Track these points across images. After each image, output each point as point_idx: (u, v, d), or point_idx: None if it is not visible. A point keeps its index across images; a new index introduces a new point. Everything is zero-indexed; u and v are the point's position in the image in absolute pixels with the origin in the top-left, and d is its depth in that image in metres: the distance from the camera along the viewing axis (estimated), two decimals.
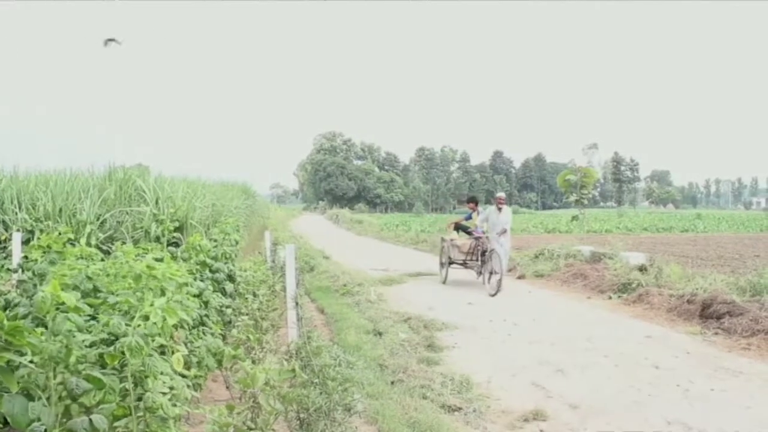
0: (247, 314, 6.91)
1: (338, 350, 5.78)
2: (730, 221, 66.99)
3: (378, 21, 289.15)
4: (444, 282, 16.04)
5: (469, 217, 16.96)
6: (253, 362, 4.92)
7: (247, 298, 7.72)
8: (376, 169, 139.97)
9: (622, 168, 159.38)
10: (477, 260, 15.40)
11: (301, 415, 3.98)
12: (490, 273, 14.45)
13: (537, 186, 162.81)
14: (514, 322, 11.02)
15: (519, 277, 17.31)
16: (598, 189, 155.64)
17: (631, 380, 7.57)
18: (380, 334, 9.35)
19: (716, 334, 9.96)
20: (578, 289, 14.87)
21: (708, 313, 10.80)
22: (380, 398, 6.22)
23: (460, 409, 6.33)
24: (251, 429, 4.08)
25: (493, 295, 13.70)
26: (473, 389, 6.97)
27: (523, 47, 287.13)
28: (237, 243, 10.63)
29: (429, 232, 39.60)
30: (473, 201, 17.48)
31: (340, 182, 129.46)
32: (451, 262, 16.05)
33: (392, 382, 6.99)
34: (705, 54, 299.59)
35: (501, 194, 16.91)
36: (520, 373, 7.80)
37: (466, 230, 16.60)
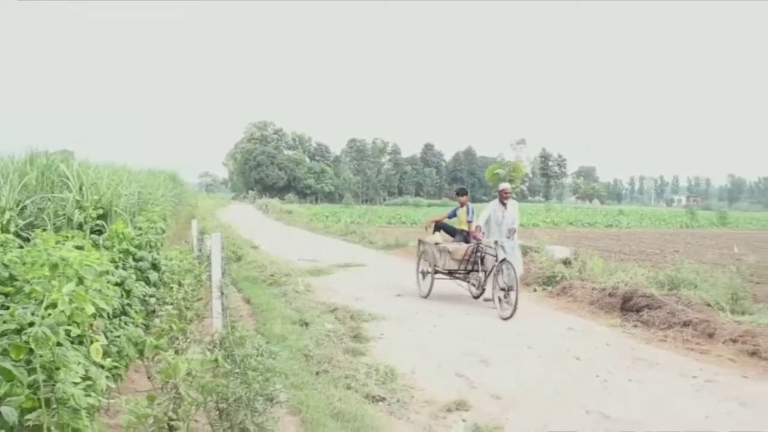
0: (171, 304, 6.80)
1: (261, 340, 5.72)
2: (652, 217, 69.14)
3: (310, 10, 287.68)
4: (426, 296, 12.72)
5: (454, 215, 13.82)
6: (177, 352, 4.86)
7: (172, 288, 7.61)
8: (307, 160, 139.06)
9: (550, 163, 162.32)
10: (476, 270, 12.15)
11: (221, 405, 3.94)
12: (503, 289, 10.99)
13: (467, 179, 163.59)
14: (440, 313, 11.13)
15: None
16: (527, 184, 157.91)
17: (553, 371, 7.73)
18: (306, 324, 9.32)
19: (635, 326, 10.23)
20: None
21: (628, 306, 11.08)
22: (305, 389, 6.20)
23: (384, 399, 6.36)
24: (172, 420, 4.02)
25: (506, 318, 10.52)
26: (398, 380, 7.01)
27: (454, 41, 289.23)
28: (163, 231, 10.48)
29: (359, 223, 39.71)
30: (463, 193, 14.08)
31: (270, 172, 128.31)
32: (437, 272, 12.72)
33: (317, 373, 6.98)
34: (630, 53, 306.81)
35: (506, 185, 12.87)
36: (445, 364, 7.88)
37: (450, 231, 13.67)
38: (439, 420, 5.92)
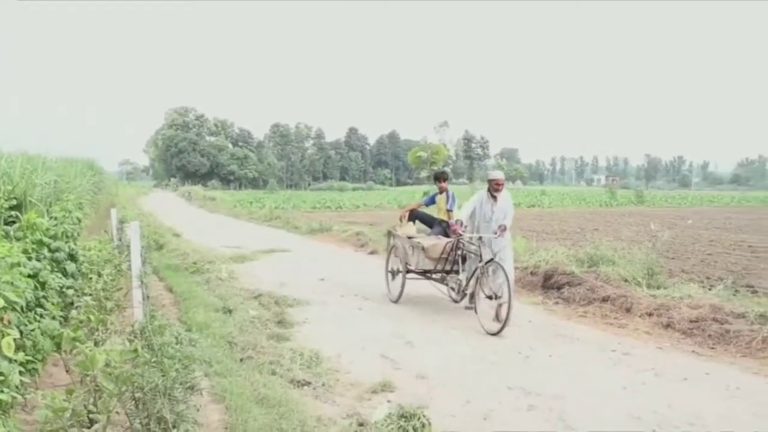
0: (90, 295, 6.66)
1: (181, 328, 5.66)
2: (573, 197, 70.60)
3: None
4: (396, 300, 10.75)
5: (432, 201, 11.75)
6: (96, 344, 4.76)
7: (91, 278, 7.44)
8: (230, 146, 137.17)
9: (473, 145, 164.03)
10: (456, 271, 10.03)
11: (137, 395, 3.89)
12: (490, 297, 9.16)
13: (391, 163, 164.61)
14: (365, 296, 11.18)
15: (371, 253, 17.52)
16: (450, 166, 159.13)
17: (476, 350, 7.88)
18: (230, 311, 9.24)
19: (557, 303, 10.50)
20: None
21: (549, 284, 11.37)
22: (228, 376, 6.16)
23: (309, 383, 6.36)
24: (92, 413, 3.96)
25: (495, 333, 8.62)
26: (323, 363, 7.03)
27: (375, 23, 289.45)
28: (80, 221, 10.22)
29: (283, 208, 39.45)
30: (443, 178, 11.60)
31: (193, 159, 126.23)
32: (409, 271, 10.74)
33: (241, 360, 6.94)
34: (550, 35, 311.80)
35: (498, 174, 10.19)
36: (370, 347, 7.93)
37: (427, 221, 11.74)
38: (365, 402, 5.96)
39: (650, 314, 9.34)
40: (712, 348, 8.02)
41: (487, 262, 9.19)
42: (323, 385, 6.35)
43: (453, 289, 10.04)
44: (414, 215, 11.79)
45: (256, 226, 28.62)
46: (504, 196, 10.03)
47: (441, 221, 11.21)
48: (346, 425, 5.11)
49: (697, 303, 9.35)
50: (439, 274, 10.40)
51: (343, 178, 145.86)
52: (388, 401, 5.86)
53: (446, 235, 10.68)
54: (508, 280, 8.77)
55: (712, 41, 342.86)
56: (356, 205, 50.51)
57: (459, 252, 9.94)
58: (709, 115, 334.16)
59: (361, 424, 5.07)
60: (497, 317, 9.09)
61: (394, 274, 11.19)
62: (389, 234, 11.94)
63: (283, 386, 6.09)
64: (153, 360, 4.05)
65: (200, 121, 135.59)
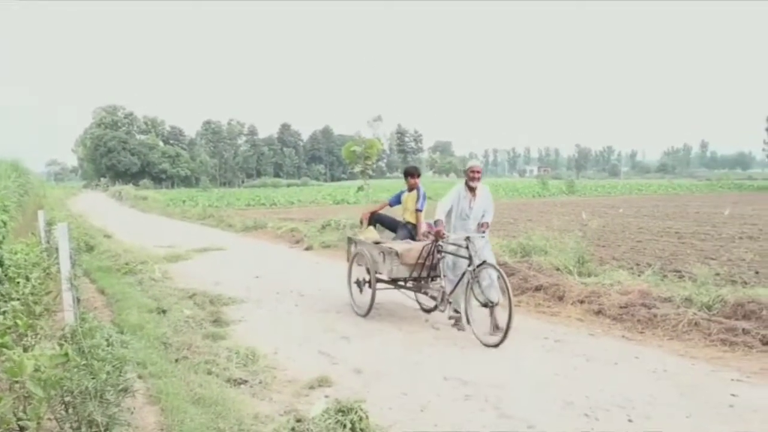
0: (18, 299, 6.50)
1: (112, 330, 5.57)
2: (506, 188, 71.66)
3: None
4: (366, 314, 9.39)
5: (398, 201, 10.23)
6: (25, 349, 4.67)
7: (18, 283, 7.26)
8: (161, 144, 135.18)
9: (407, 139, 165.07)
10: (435, 277, 8.97)
11: (66, 399, 3.83)
12: (487, 305, 8.24)
13: (325, 158, 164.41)
14: (301, 293, 11.17)
15: (306, 249, 17.50)
16: (385, 160, 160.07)
17: (413, 343, 7.95)
18: (164, 311, 9.10)
19: None
20: None
21: None
22: (164, 377, 6.08)
23: (246, 381, 6.33)
24: (21, 419, 3.88)
25: (496, 345, 7.65)
26: (259, 361, 6.99)
27: (306, 18, 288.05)
28: (5, 224, 9.97)
29: (217, 206, 39.11)
30: (414, 174, 10.13)
31: (123, 158, 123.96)
32: (379, 281, 9.45)
33: (176, 360, 6.85)
34: (480, 29, 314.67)
35: (475, 163, 9.10)
36: (307, 343, 7.94)
37: (390, 224, 10.39)
38: (302, 398, 5.96)
39: (582, 301, 9.55)
40: (641, 332, 8.25)
41: (479, 266, 8.07)
42: (260, 382, 6.32)
43: (434, 297, 8.76)
44: (376, 218, 10.50)
45: (189, 224, 28.32)
46: (483, 190, 9.05)
47: (406, 223, 9.96)
48: (284, 422, 5.09)
49: (627, 289, 9.59)
50: (415, 282, 9.22)
51: (277, 175, 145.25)
52: (326, 396, 5.88)
53: (413, 238, 9.69)
54: (506, 283, 7.68)
55: (637, 35, 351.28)
56: (291, 202, 50.37)
57: (439, 256, 8.72)
58: (636, 106, 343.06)
59: (298, 420, 5.06)
60: (495, 327, 8.18)
61: (360, 285, 9.80)
62: (350, 241, 10.56)
63: (220, 385, 6.03)
64: (83, 363, 3.98)
65: (129, 119, 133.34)
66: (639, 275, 10.82)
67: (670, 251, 15.79)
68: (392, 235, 10.26)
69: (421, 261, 8.93)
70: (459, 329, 8.60)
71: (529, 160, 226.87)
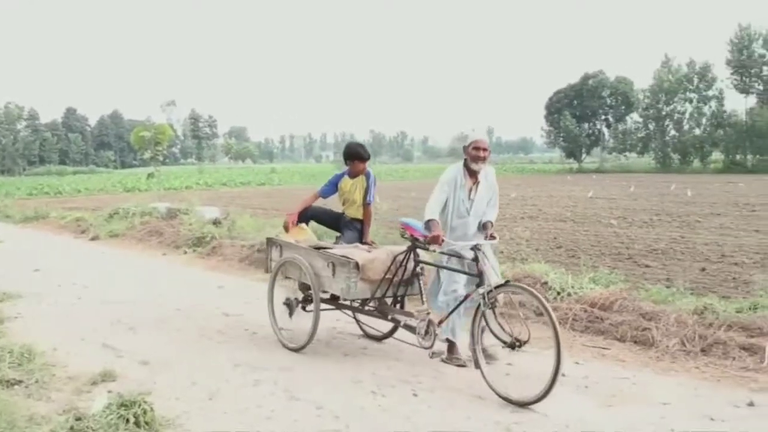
0: None
1: None
2: (303, 174, 72.29)
3: None
4: (305, 347, 6.74)
5: (334, 190, 7.53)
6: None
7: None
8: None
9: (201, 125, 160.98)
10: (411, 295, 6.58)
11: None
12: (514, 345, 5.39)
13: (115, 144, 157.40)
14: (85, 284, 10.65)
15: (92, 239, 16.77)
16: (178, 146, 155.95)
17: (203, 330, 7.82)
18: None
19: (287, 278, 10.59)
20: (154, 246, 14.83)
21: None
22: None
23: (20, 382, 5.90)
24: None
25: (532, 403, 5.05)
26: (36, 359, 6.53)
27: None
28: None
29: None
30: (360, 156, 7.25)
31: None
32: (324, 301, 6.91)
33: None
34: (277, 14, 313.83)
35: (481, 137, 6.37)
36: (90, 336, 7.56)
37: (330, 221, 7.76)
38: (84, 395, 5.65)
39: None
40: None
41: (497, 287, 5.51)
42: (36, 381, 5.91)
43: (412, 328, 6.06)
44: (308, 214, 7.63)
45: None
46: (489, 175, 6.54)
47: (353, 220, 7.42)
48: (62, 421, 4.81)
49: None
50: (379, 305, 6.63)
51: (62, 162, 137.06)
52: (109, 391, 5.62)
53: (361, 240, 7.25)
54: (550, 314, 5.09)
55: (432, 22, 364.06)
56: (77, 190, 47.85)
57: (419, 268, 6.24)
58: (427, 93, 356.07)
59: (78, 419, 4.80)
60: (541, 383, 5.02)
61: (291, 307, 7.20)
62: (270, 243, 7.76)
63: None
64: None
65: None
66: None
67: None
68: (334, 235, 8.02)
69: (390, 276, 6.42)
70: (458, 365, 6.20)
71: (325, 145, 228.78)
